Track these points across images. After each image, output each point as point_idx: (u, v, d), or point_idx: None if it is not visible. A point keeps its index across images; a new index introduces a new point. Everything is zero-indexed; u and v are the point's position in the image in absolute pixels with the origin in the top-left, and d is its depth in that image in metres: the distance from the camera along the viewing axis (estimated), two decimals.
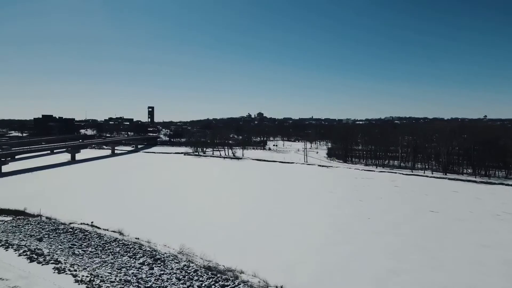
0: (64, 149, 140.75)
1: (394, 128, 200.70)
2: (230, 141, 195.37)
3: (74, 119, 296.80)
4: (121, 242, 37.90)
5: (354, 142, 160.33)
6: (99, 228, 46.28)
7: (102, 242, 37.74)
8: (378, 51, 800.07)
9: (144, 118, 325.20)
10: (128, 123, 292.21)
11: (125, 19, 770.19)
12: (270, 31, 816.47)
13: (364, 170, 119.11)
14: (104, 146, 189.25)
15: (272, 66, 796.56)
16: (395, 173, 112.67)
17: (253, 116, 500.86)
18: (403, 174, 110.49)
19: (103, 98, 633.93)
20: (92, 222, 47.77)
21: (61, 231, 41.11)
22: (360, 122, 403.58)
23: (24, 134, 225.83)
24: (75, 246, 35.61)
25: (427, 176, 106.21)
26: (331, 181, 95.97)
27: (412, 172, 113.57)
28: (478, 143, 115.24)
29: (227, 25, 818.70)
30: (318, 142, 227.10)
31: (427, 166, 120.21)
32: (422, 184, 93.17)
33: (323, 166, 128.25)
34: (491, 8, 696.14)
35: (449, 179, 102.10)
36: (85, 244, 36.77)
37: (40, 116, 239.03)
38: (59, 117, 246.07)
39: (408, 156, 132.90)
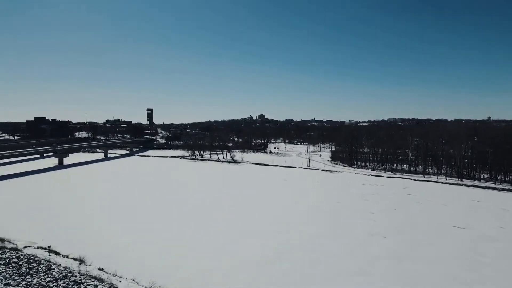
0: (52, 153, 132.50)
1: (402, 130, 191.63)
2: (229, 144, 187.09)
3: (70, 121, 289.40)
4: (73, 279, 29.31)
5: (359, 144, 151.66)
6: (57, 254, 37.82)
7: (49, 278, 29.18)
8: (379, 54, 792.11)
9: (144, 121, 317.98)
10: (125, 125, 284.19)
11: (128, 27, 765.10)
12: (271, 36, 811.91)
13: (372, 175, 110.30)
14: (98, 150, 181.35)
15: (274, 69, 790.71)
16: (406, 178, 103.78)
17: (254, 118, 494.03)
18: (415, 179, 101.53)
19: (105, 102, 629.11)
20: (49, 246, 39.27)
21: (2, 262, 32.64)
22: (363, 124, 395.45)
23: (16, 137, 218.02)
24: (10, 287, 27.15)
25: (441, 182, 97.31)
26: (337, 188, 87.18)
27: (424, 177, 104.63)
28: (495, 145, 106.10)
29: (229, 31, 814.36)
30: (321, 145, 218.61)
31: (439, 171, 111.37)
32: (437, 191, 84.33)
33: (327, 170, 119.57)
34: (493, 10, 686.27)
35: (466, 185, 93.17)
36: (24, 282, 28.24)
37: (33, 119, 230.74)
38: (52, 119, 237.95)
39: (418, 160, 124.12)
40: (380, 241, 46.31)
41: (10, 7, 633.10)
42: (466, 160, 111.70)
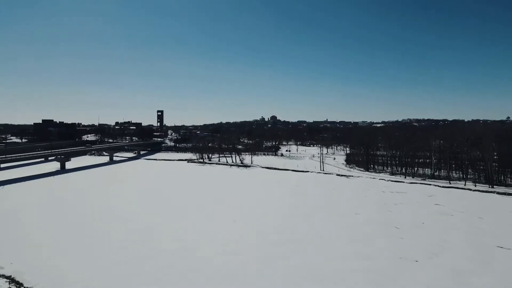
0: (54, 157, 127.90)
1: (419, 131, 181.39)
2: (239, 146, 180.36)
3: (79, 123, 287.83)
4: None
5: (375, 147, 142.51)
6: (19, 285, 31.42)
7: None
8: (394, 54, 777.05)
9: (155, 123, 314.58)
10: (134, 127, 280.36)
11: (144, 34, 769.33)
12: (283, 42, 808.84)
13: (391, 180, 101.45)
14: (104, 153, 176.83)
15: (286, 72, 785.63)
16: (430, 184, 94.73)
17: (266, 119, 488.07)
18: (440, 186, 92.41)
19: (119, 105, 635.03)
20: (10, 276, 32.76)
21: None
22: (378, 125, 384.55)
23: (24, 140, 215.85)
24: None
25: (470, 190, 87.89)
26: (354, 196, 78.96)
27: (450, 183, 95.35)
28: None
29: (241, 37, 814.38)
30: (335, 147, 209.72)
31: (466, 176, 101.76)
32: (468, 201, 75.17)
33: (342, 175, 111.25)
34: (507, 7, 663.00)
35: (498, 193, 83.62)
36: None
37: (40, 121, 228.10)
38: (59, 121, 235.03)
39: (440, 164, 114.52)
40: (412, 267, 38.31)
41: (25, 15, 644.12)
42: (495, 164, 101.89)
